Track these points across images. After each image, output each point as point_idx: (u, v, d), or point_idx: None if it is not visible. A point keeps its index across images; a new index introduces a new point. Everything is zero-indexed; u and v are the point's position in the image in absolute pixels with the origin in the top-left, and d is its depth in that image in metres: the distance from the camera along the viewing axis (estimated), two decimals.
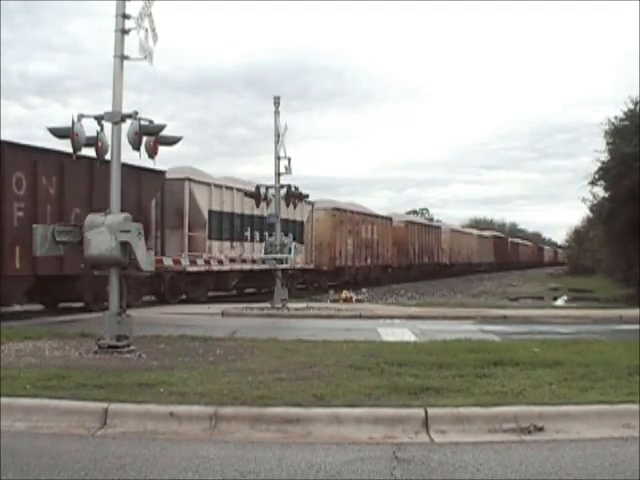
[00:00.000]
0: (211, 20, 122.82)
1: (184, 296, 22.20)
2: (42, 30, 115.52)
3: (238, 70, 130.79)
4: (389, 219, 43.68)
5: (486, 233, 77.67)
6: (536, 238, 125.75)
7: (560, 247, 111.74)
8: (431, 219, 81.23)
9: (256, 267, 24.16)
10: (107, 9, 10.14)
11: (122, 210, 10.00)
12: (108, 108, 9.97)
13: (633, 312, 16.90)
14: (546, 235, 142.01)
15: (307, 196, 22.41)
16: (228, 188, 24.36)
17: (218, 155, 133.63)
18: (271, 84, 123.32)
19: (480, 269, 65.29)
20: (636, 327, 13.28)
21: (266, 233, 24.42)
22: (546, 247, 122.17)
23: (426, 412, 6.04)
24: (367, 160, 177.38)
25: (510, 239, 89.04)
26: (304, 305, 19.60)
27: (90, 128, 10.09)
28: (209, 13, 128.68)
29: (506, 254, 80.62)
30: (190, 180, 22.40)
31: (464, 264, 60.33)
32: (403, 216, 50.83)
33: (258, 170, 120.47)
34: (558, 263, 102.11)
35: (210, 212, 23.11)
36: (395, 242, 43.23)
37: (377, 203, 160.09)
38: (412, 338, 12.09)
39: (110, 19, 9.91)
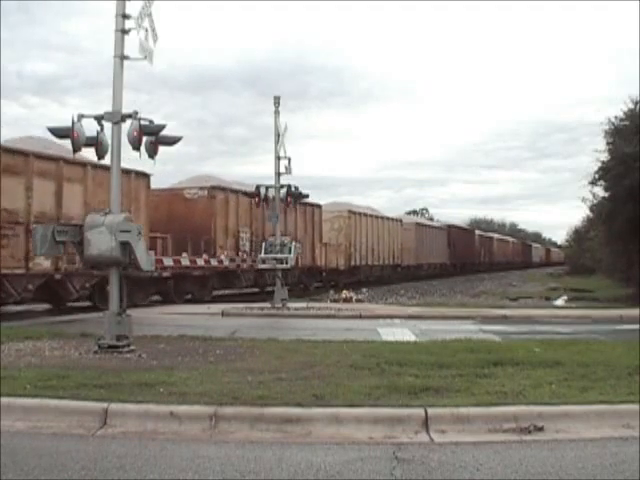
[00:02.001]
0: (209, 19, 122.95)
1: None
2: (39, 29, 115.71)
3: (236, 69, 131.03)
4: (144, 176, 19.58)
5: (433, 222, 60.04)
6: (536, 238, 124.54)
7: (559, 247, 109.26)
8: (431, 219, 78.06)
9: None
10: (107, 9, 10.16)
11: None
12: (106, 108, 9.97)
13: (633, 312, 16.88)
14: (546, 235, 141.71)
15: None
16: None
17: (217, 155, 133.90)
18: (269, 83, 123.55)
19: (422, 273, 46.51)
20: (636, 327, 13.28)
21: None
22: (535, 245, 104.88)
23: (426, 412, 6.04)
24: (366, 160, 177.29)
25: (479, 232, 69.26)
26: (304, 305, 19.61)
27: (90, 128, 10.11)
28: (208, 12, 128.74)
29: (471, 252, 61.22)
30: None
31: (388, 267, 40.64)
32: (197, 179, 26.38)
33: (257, 170, 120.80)
34: (552, 264, 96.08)
35: None
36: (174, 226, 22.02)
37: (377, 203, 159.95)
38: (412, 338, 12.10)
39: (109, 19, 9.93)
